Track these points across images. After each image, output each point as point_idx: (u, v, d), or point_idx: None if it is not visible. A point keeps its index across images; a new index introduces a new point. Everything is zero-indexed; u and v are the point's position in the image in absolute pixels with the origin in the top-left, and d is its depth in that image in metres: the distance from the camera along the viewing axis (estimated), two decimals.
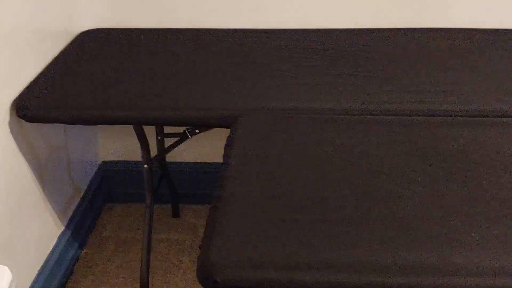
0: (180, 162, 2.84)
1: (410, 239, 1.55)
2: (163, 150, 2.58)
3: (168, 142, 2.57)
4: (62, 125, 2.43)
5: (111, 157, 2.87)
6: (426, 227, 1.61)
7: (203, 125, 2.24)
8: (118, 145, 2.83)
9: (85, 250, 2.64)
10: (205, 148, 2.79)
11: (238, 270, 1.45)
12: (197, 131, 2.36)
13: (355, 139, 2.17)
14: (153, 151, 2.46)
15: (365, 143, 2.15)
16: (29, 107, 2.05)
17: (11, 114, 2.04)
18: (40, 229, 2.23)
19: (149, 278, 2.38)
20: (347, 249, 1.51)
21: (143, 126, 2.26)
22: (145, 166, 2.35)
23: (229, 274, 1.43)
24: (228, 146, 1.92)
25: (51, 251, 2.31)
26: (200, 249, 1.49)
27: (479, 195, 1.74)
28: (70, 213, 2.53)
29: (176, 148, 2.54)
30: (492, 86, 2.53)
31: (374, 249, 1.51)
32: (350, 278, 1.44)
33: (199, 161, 2.84)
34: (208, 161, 2.82)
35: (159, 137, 2.54)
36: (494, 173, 1.85)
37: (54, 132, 2.40)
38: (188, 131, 2.39)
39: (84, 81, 2.20)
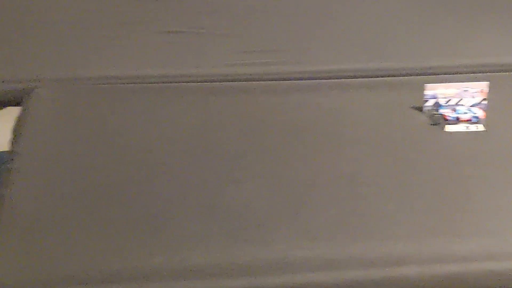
0: None
1: (245, 236, 1.47)
2: None
3: None
4: None
5: None
6: (255, 219, 1.51)
7: None
8: None
9: None
10: None
11: None
12: None
13: (179, 113, 1.91)
14: None
15: (193, 118, 1.90)
16: None
17: None
18: None
19: None
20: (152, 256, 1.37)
21: None
22: None
23: None
24: (17, 129, 1.71)
25: None
26: None
27: (321, 172, 1.65)
28: None
29: None
30: (350, 41, 2.34)
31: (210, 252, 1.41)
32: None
33: None
34: None
35: None
36: (338, 145, 1.82)
37: None
38: None
39: None
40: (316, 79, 2.13)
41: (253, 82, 2.11)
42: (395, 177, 1.72)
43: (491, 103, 2.00)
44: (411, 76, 2.18)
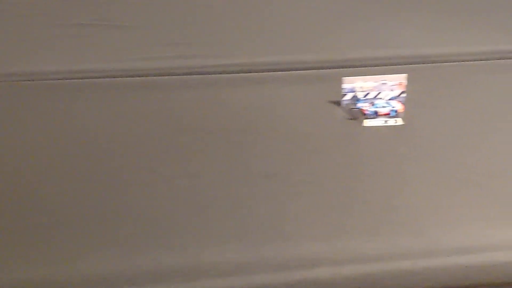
0: None
1: (151, 241, 1.42)
2: None
3: None
4: None
5: None
6: (163, 222, 1.46)
7: None
8: None
9: None
10: None
11: None
12: None
13: (84, 111, 1.81)
14: None
15: (100, 116, 1.80)
16: None
17: None
18: None
19: None
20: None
21: None
22: None
23: None
24: None
25: None
26: None
27: (234, 171, 1.62)
28: None
29: None
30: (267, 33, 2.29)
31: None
32: None
33: None
34: None
35: None
36: (253, 142, 1.78)
37: None
38: None
39: None
40: (230, 73, 2.07)
41: (164, 77, 2.03)
42: (311, 175, 1.68)
43: (410, 96, 1.98)
44: (328, 69, 2.15)
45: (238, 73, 2.06)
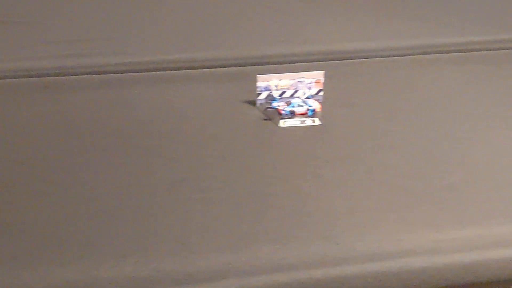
0: None
1: (45, 255, 1.35)
2: None
3: None
4: None
5: None
6: (60, 234, 1.39)
7: None
8: None
9: None
10: None
11: None
12: None
13: None
14: None
15: None
16: None
17: None
18: None
19: None
20: None
21: None
22: None
23: None
24: None
25: None
26: None
27: (138, 177, 1.60)
28: None
29: None
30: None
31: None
32: None
33: None
34: None
35: None
36: (161, 145, 1.74)
37: None
38: None
39: None
40: (135, 72, 2.01)
41: (61, 76, 1.95)
42: (221, 180, 1.62)
43: (328, 94, 1.95)
44: (242, 66, 2.11)
45: (142, 71, 2.00)
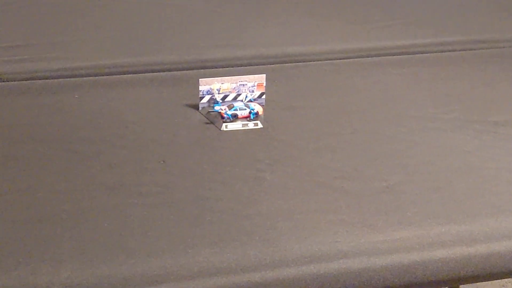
0: None
1: None
2: None
3: None
4: None
5: None
6: None
7: None
8: None
9: None
10: None
11: None
12: None
13: None
14: None
15: None
16: None
17: None
18: None
19: None
20: None
21: None
22: None
23: None
24: None
25: None
26: None
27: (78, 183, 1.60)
28: None
29: None
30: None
31: None
32: None
33: None
34: None
35: None
36: (100, 151, 1.75)
37: None
38: None
39: None
40: (74, 77, 2.02)
41: (1, 82, 1.97)
42: (160, 185, 1.64)
43: (270, 97, 1.99)
44: (184, 70, 2.13)
45: (83, 76, 2.02)
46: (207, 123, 1.92)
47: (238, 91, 1.98)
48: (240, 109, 1.94)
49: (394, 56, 2.32)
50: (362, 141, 1.85)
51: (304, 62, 2.20)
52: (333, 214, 1.56)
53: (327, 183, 1.67)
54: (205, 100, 1.97)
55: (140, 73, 2.04)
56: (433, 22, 2.54)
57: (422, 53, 2.33)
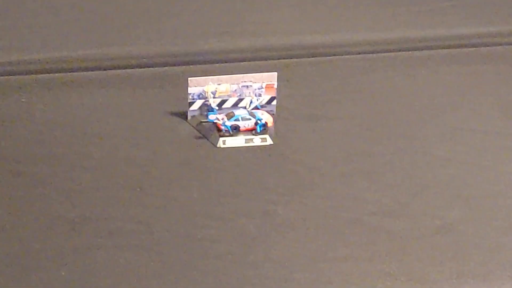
0: None
1: None
2: None
3: None
4: None
5: None
6: None
7: None
8: None
9: None
10: None
11: None
12: None
13: None
14: None
15: None
16: None
17: None
18: None
19: None
20: None
21: None
22: None
23: None
24: None
25: None
26: None
27: None
28: None
29: None
30: None
31: None
32: None
33: None
34: None
35: None
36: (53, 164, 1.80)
37: None
38: None
39: None
40: (19, 75, 2.09)
41: None
42: (140, 219, 1.69)
43: (282, 103, 2.00)
44: (168, 66, 2.16)
45: (29, 74, 2.10)
46: (199, 137, 1.94)
47: (240, 95, 2.00)
48: (243, 119, 1.96)
49: (449, 50, 2.32)
50: (407, 164, 1.86)
51: (326, 56, 2.21)
52: (369, 262, 1.57)
53: (361, 221, 1.69)
54: (195, 106, 1.99)
55: (109, 69, 2.07)
56: (504, 3, 2.54)
57: (487, 46, 2.33)
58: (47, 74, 2.02)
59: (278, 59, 2.16)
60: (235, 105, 2.00)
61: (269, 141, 1.93)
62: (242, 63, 2.12)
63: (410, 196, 1.77)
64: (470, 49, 2.33)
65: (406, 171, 1.85)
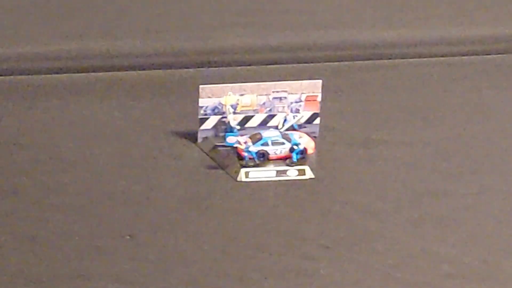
0: None
1: None
2: None
3: None
4: None
5: None
6: None
7: None
8: None
9: None
10: None
11: None
12: None
13: None
14: None
15: None
16: None
17: None
18: None
19: None
20: None
21: None
22: None
23: None
24: None
25: None
26: None
27: None
28: None
29: None
30: None
31: None
32: None
33: None
34: None
35: None
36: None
37: None
38: None
39: None
40: None
41: None
42: (130, 279, 1.70)
43: (328, 122, 2.01)
44: (175, 68, 2.21)
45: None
46: (212, 167, 1.95)
47: (270, 110, 1.99)
48: (274, 143, 1.96)
49: None
50: (498, 208, 1.86)
51: (389, 58, 2.22)
52: None
53: (433, 286, 1.68)
54: (209, 124, 1.99)
55: (98, 71, 2.12)
56: None
57: None
58: (19, 76, 2.20)
59: (324, 61, 2.16)
60: (263, 124, 2.02)
61: (309, 174, 1.95)
62: (273, 66, 2.14)
63: (501, 253, 1.76)
64: None
65: (496, 218, 1.85)
